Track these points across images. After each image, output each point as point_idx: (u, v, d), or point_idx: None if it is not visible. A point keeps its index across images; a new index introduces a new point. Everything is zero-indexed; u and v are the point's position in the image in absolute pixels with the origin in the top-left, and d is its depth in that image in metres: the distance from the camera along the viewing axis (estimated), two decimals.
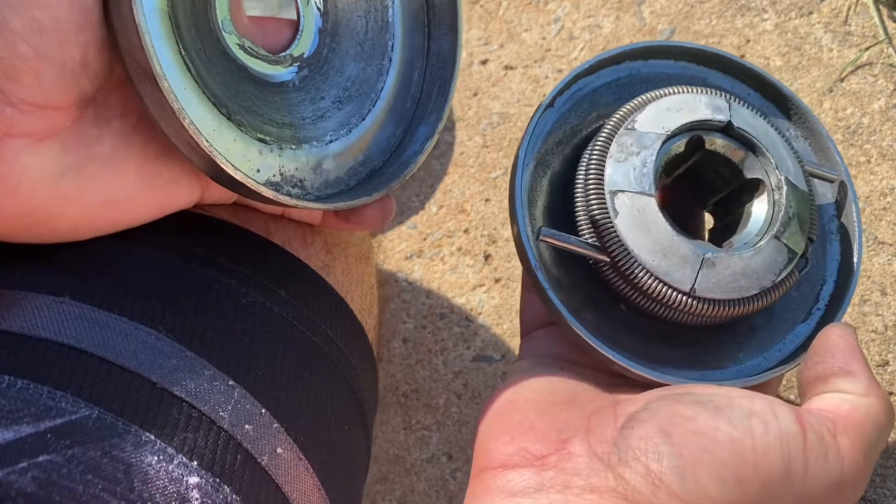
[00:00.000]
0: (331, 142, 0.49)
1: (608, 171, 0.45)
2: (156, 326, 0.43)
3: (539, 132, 0.48)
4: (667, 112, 0.46)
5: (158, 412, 0.41)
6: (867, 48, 0.73)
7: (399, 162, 0.50)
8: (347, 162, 0.49)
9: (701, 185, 0.49)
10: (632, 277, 0.44)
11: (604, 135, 0.46)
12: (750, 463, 0.38)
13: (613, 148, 0.45)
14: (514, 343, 0.75)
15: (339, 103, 0.50)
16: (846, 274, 0.48)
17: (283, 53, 0.49)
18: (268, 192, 0.43)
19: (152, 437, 0.39)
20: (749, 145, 0.46)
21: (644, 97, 0.47)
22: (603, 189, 0.44)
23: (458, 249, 0.78)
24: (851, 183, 0.49)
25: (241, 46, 0.46)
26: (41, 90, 0.38)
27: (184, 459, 0.40)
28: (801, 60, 0.74)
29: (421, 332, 0.77)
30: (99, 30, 0.39)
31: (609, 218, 0.44)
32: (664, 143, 0.45)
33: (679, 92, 0.47)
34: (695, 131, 0.46)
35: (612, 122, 0.47)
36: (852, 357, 0.43)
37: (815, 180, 0.49)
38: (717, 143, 0.46)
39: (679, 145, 0.46)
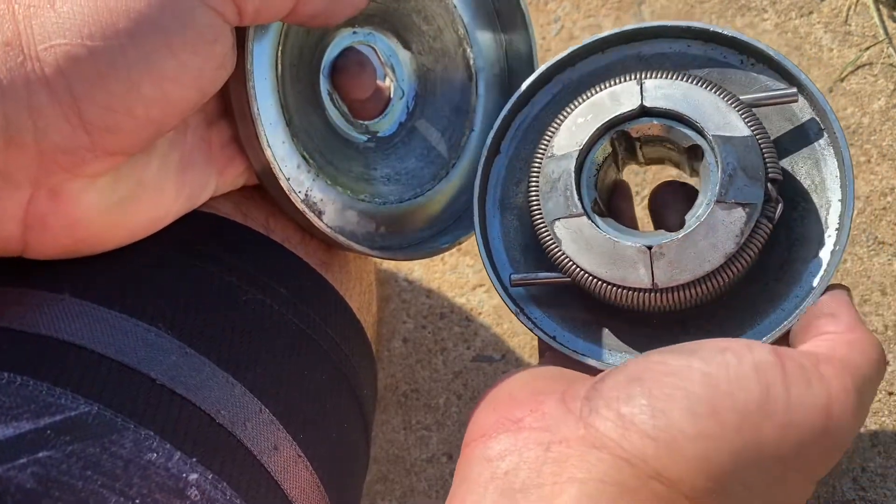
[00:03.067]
0: (362, 201, 0.53)
1: (543, 203, 0.46)
2: (155, 323, 0.43)
3: (495, 179, 0.51)
4: (578, 125, 0.46)
5: (158, 409, 0.41)
6: (867, 48, 0.73)
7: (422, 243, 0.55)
8: (368, 226, 0.53)
9: (678, 166, 0.50)
10: (598, 292, 0.45)
11: (535, 168, 0.47)
12: (724, 392, 0.38)
13: (541, 180, 0.47)
14: (514, 343, 0.75)
15: (386, 180, 0.54)
16: (846, 187, 0.45)
17: (363, 122, 0.55)
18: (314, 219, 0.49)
19: (152, 433, 0.40)
20: (672, 116, 0.45)
21: (565, 113, 0.48)
22: (544, 220, 0.46)
23: (458, 249, 0.78)
24: (816, 89, 0.46)
25: (330, 96, 0.53)
26: (128, 143, 0.39)
27: (183, 456, 0.40)
28: (801, 60, 0.74)
29: (421, 332, 0.77)
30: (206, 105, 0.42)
31: (557, 246, 0.46)
32: (579, 158, 0.46)
33: (586, 97, 0.47)
34: (613, 129, 0.47)
35: (538, 152, 0.48)
36: (837, 303, 0.43)
37: (782, 106, 0.47)
38: (641, 127, 0.46)
39: (604, 148, 0.47)
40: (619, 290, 0.44)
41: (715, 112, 0.44)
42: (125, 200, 0.42)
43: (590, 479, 0.37)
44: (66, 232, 0.41)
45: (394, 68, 0.55)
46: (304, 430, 0.46)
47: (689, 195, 0.49)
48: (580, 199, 0.45)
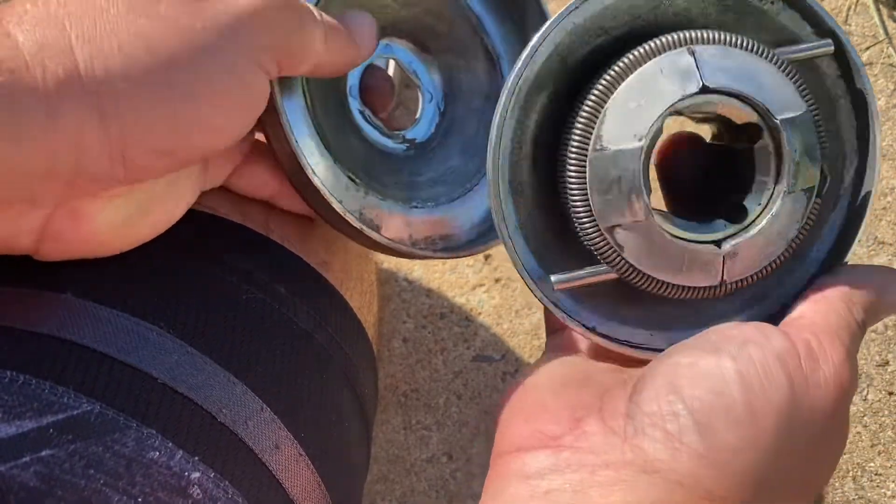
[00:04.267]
0: (414, 207, 0.53)
1: (595, 205, 0.40)
2: (157, 323, 0.43)
3: (502, 156, 0.42)
4: (631, 110, 0.40)
5: (160, 408, 0.41)
6: (867, 48, 0.73)
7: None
8: (424, 231, 0.53)
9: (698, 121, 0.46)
10: (659, 290, 0.42)
11: (573, 159, 0.41)
12: (758, 392, 0.37)
13: (591, 178, 0.40)
14: (514, 343, 0.75)
15: (432, 183, 0.54)
16: (864, 136, 0.43)
17: (399, 132, 0.56)
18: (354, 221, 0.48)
19: (154, 432, 0.39)
20: (731, 94, 0.40)
21: (601, 88, 0.40)
22: (598, 224, 0.41)
23: None
24: (844, 34, 0.43)
25: (362, 114, 0.54)
26: (156, 176, 0.41)
27: (185, 454, 0.40)
28: None
29: (421, 332, 0.77)
30: None
31: (616, 252, 0.41)
32: (643, 155, 0.40)
33: (631, 65, 0.40)
34: (668, 112, 0.40)
35: (575, 139, 0.41)
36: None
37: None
38: (699, 105, 0.41)
39: (657, 132, 0.41)
40: (686, 289, 0.42)
41: (776, 87, 0.40)
42: (137, 214, 0.42)
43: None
44: (79, 244, 0.41)
45: (417, 74, 0.56)
46: (305, 429, 0.46)
47: (701, 153, 0.47)
48: (647, 200, 0.40)
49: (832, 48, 0.42)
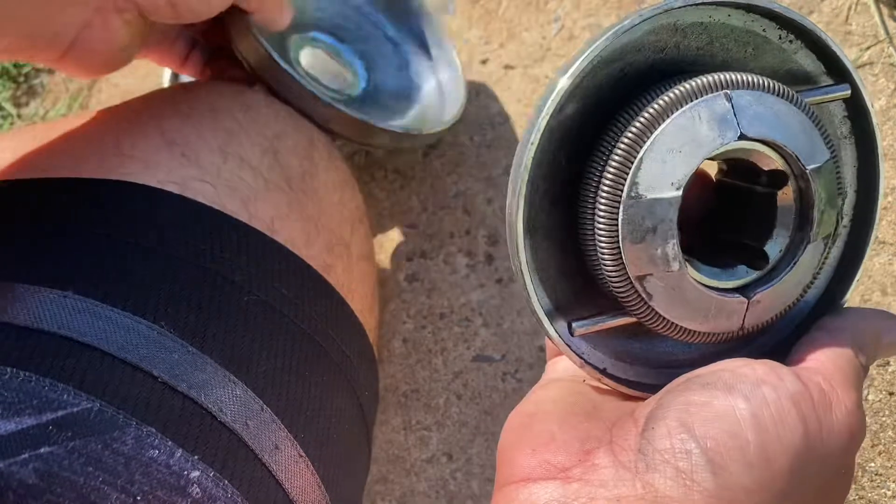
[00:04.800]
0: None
1: (627, 253, 0.39)
2: (158, 322, 0.43)
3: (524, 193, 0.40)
4: (668, 156, 0.38)
5: (160, 406, 0.40)
6: (868, 48, 0.73)
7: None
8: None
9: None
10: (679, 336, 0.42)
11: (604, 205, 0.39)
12: (773, 436, 0.37)
13: (623, 227, 0.39)
14: (514, 343, 0.75)
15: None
16: (868, 178, 0.43)
17: (337, 90, 0.77)
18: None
19: (153, 430, 0.39)
20: (766, 143, 0.40)
21: (634, 132, 0.39)
22: (627, 273, 0.39)
23: (458, 249, 0.78)
24: (860, 79, 0.43)
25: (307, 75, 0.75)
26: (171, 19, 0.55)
27: (184, 453, 0.40)
28: None
29: (421, 333, 0.77)
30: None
31: (644, 301, 0.40)
32: (680, 204, 0.38)
33: (666, 110, 0.39)
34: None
35: (607, 184, 0.39)
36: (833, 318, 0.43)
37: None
38: (733, 152, 0.40)
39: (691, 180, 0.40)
40: (707, 335, 0.41)
41: (804, 136, 0.40)
42: (132, 44, 0.55)
43: None
44: (98, 56, 0.53)
45: (341, 54, 0.82)
46: (305, 429, 0.46)
47: (707, 185, 0.47)
48: (680, 250, 0.39)
49: (849, 92, 0.42)
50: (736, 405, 0.38)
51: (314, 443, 0.46)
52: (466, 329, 0.76)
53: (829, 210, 0.40)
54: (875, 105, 0.71)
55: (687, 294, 0.40)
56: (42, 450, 0.36)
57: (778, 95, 0.40)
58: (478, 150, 0.81)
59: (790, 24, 0.43)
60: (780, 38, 0.43)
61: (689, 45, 0.42)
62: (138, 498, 0.37)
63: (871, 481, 0.63)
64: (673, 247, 0.38)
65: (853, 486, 0.63)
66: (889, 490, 0.62)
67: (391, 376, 0.76)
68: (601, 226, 0.39)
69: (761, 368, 0.39)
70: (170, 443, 0.39)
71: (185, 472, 0.39)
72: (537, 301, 0.41)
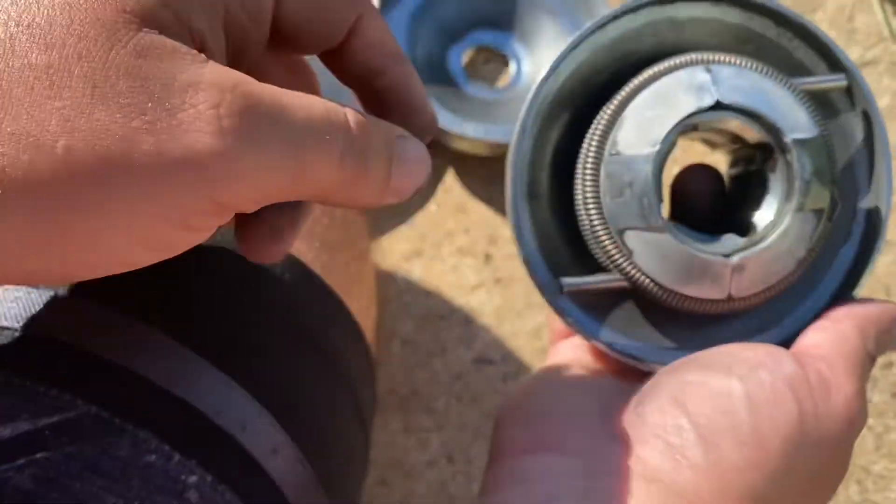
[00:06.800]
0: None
1: (608, 208, 0.42)
2: (153, 325, 0.42)
3: (521, 163, 0.45)
4: (647, 119, 0.42)
5: (157, 411, 0.40)
6: (872, 46, 0.73)
7: None
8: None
9: (713, 145, 0.48)
10: (666, 300, 0.43)
11: (590, 164, 0.43)
12: (766, 417, 0.37)
13: (604, 182, 0.42)
14: (515, 345, 0.75)
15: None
16: (878, 175, 0.45)
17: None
18: None
19: (150, 435, 0.39)
20: (744, 112, 0.42)
21: (620, 98, 0.43)
22: (609, 228, 0.42)
23: (458, 249, 0.78)
24: (858, 72, 0.45)
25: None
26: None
27: (182, 458, 0.39)
28: None
29: (421, 334, 0.76)
30: None
31: (626, 257, 0.42)
32: (655, 161, 0.42)
33: (651, 78, 0.43)
34: (683, 123, 0.43)
35: (593, 145, 0.43)
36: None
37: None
38: (714, 122, 0.43)
39: (672, 143, 0.43)
40: (692, 300, 0.43)
41: (787, 109, 0.42)
42: None
43: None
44: None
45: (500, 48, 0.83)
46: (303, 433, 0.45)
47: (714, 181, 0.48)
48: (659, 208, 0.42)
49: (845, 82, 0.44)
50: (731, 385, 0.38)
51: (312, 445, 0.46)
52: (467, 331, 0.76)
53: (818, 183, 0.42)
54: (879, 103, 0.71)
55: (667, 251, 0.42)
56: (38, 455, 0.36)
57: (760, 73, 0.42)
58: None
59: (787, 22, 0.44)
60: (778, 35, 0.45)
61: (687, 39, 0.45)
62: (136, 503, 0.37)
63: (876, 484, 0.63)
64: (649, 201, 0.41)
65: (858, 489, 0.63)
66: (893, 493, 0.62)
67: (391, 378, 0.76)
68: (587, 181, 0.43)
69: (761, 351, 0.40)
70: (167, 447, 0.39)
71: (183, 477, 0.39)
72: (528, 255, 0.44)
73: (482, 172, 0.80)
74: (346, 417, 0.50)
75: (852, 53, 0.72)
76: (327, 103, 0.30)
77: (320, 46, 0.35)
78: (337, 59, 0.35)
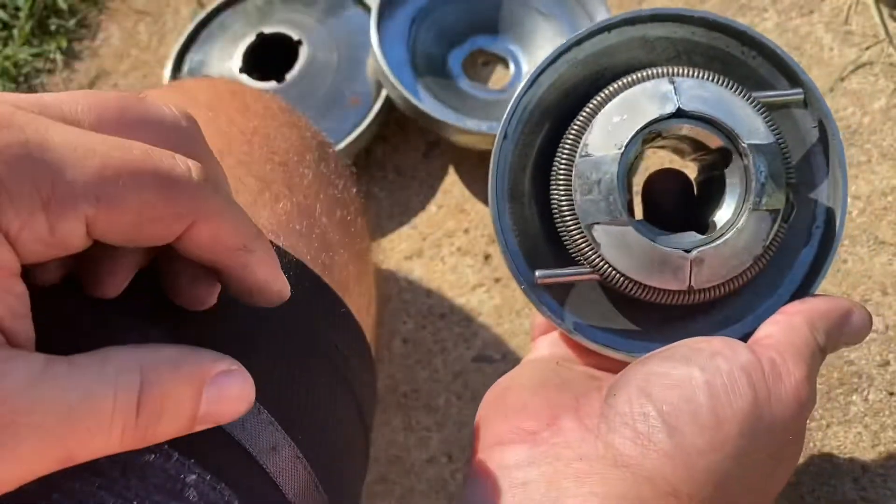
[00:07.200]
0: None
1: (578, 203, 0.46)
2: (152, 324, 0.42)
3: (503, 166, 0.49)
4: (614, 124, 0.46)
5: None
6: (868, 47, 0.73)
7: None
8: None
9: (682, 154, 0.51)
10: (631, 292, 0.47)
11: (563, 164, 0.47)
12: (725, 401, 0.40)
13: (575, 180, 0.46)
14: (515, 343, 0.75)
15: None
16: (835, 182, 0.49)
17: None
18: None
19: None
20: (704, 119, 0.46)
21: (592, 105, 0.47)
22: (580, 223, 0.46)
23: (457, 249, 0.78)
24: (815, 86, 0.48)
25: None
26: None
27: (181, 457, 0.39)
28: (801, 60, 0.74)
29: (421, 333, 0.77)
30: None
31: (594, 250, 0.46)
32: (621, 162, 0.46)
33: (619, 88, 0.47)
34: (647, 128, 0.46)
35: (566, 147, 0.47)
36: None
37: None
38: (675, 128, 0.46)
39: (637, 148, 0.47)
40: (656, 291, 0.46)
41: (744, 117, 0.46)
42: None
43: (610, 495, 0.38)
44: None
45: (496, 53, 0.87)
46: (302, 431, 0.45)
47: (681, 183, 0.51)
48: (623, 204, 0.46)
49: (802, 96, 0.48)
50: (692, 374, 0.41)
51: (312, 444, 0.46)
52: (466, 329, 0.76)
53: (773, 185, 0.46)
54: (875, 105, 0.71)
55: (631, 244, 0.46)
56: None
57: (720, 85, 0.46)
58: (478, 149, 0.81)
59: (751, 41, 0.49)
60: (742, 53, 0.49)
61: (659, 57, 0.49)
62: (135, 503, 0.37)
63: (872, 481, 0.63)
64: (614, 198, 0.45)
65: (854, 486, 0.63)
66: (889, 490, 0.62)
67: (391, 377, 0.76)
68: (560, 179, 0.47)
69: (718, 343, 0.43)
70: (165, 447, 0.39)
71: (182, 476, 0.39)
72: (508, 243, 0.49)
73: (481, 173, 0.80)
74: (345, 415, 0.50)
75: (849, 55, 0.72)
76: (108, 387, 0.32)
77: (150, 247, 0.37)
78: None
